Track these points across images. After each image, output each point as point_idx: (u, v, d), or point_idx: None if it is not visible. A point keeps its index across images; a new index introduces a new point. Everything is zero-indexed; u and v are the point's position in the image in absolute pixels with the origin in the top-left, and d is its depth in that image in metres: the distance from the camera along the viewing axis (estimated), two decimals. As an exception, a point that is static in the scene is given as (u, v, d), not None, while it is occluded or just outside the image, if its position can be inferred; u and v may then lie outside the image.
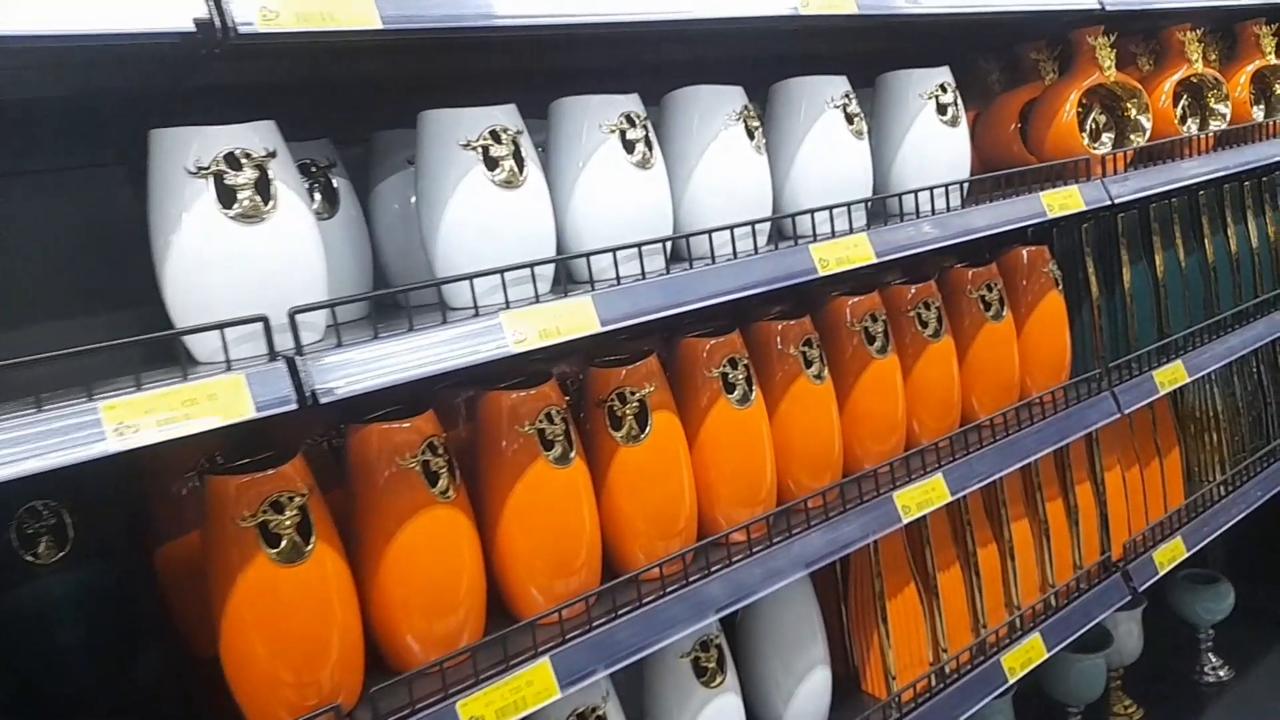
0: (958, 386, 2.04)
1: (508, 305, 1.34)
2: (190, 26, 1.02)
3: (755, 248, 1.61)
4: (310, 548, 1.23)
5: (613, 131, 1.47)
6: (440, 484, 1.35)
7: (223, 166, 1.14)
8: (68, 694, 1.39)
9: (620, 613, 1.48)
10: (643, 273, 1.47)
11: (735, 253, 1.58)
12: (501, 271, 1.33)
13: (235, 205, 1.15)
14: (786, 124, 1.77)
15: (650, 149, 1.51)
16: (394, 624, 1.35)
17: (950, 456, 1.95)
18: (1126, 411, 2.27)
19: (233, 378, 1.09)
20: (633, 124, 1.49)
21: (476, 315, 1.30)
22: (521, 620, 1.45)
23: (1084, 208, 2.13)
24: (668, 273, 1.49)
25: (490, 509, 1.45)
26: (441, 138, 1.35)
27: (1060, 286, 2.22)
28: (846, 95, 1.76)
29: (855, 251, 1.70)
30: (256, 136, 1.18)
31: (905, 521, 1.82)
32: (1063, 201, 2.10)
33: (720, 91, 1.61)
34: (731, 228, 1.57)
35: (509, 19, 1.29)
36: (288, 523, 1.21)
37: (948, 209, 1.90)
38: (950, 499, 1.89)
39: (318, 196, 1.45)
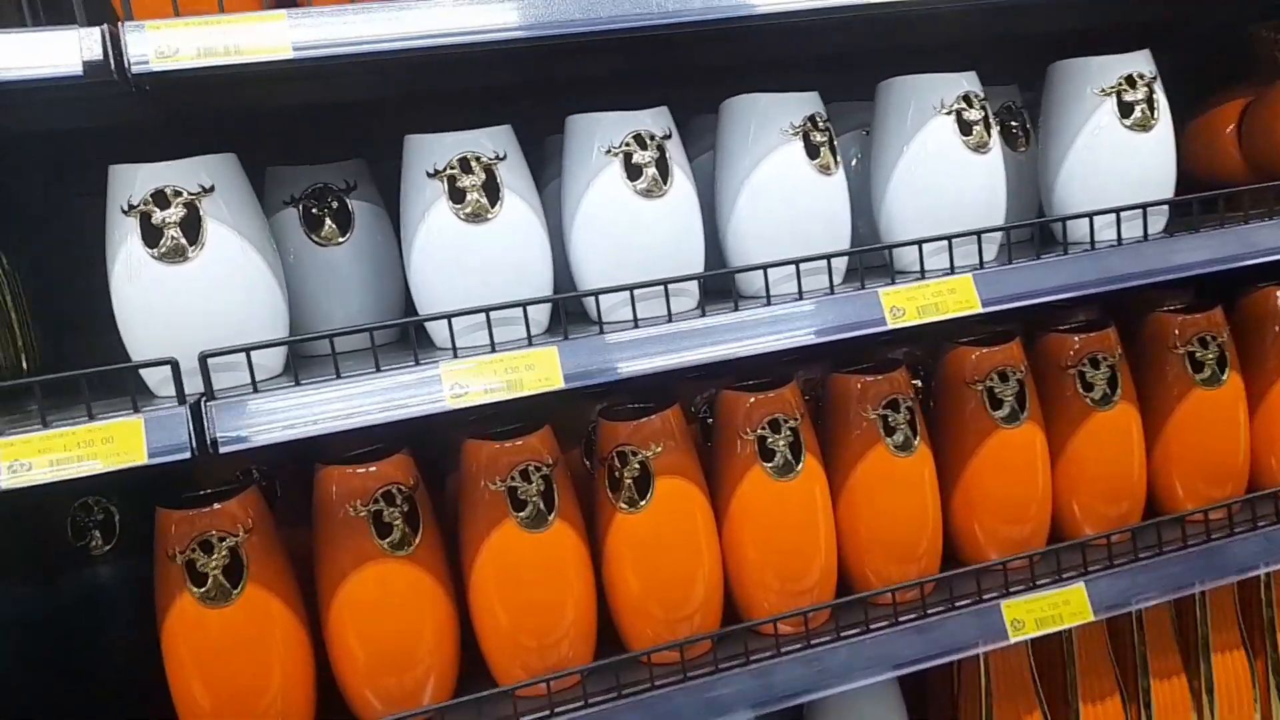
0: (1139, 469, 1.57)
1: (455, 353, 1.21)
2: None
3: (800, 290, 1.32)
4: (238, 591, 1.21)
5: (615, 154, 1.27)
6: (393, 536, 1.27)
7: (150, 205, 1.13)
8: (115, 675, 1.51)
9: (619, 693, 1.31)
10: (634, 320, 1.27)
11: (769, 298, 1.31)
12: (449, 316, 1.21)
13: (159, 245, 1.13)
14: (885, 134, 1.44)
15: (665, 174, 1.29)
16: (343, 676, 1.30)
17: (1105, 561, 1.50)
18: None
19: (131, 421, 1.09)
20: (643, 145, 1.28)
21: (417, 364, 1.19)
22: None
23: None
24: (669, 319, 1.27)
25: (464, 568, 1.34)
26: (412, 165, 1.25)
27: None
28: (965, 98, 1.39)
29: (950, 298, 1.34)
30: (198, 171, 1.15)
31: (1014, 640, 1.43)
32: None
33: (774, 101, 1.34)
34: (765, 266, 1.31)
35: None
36: (214, 563, 1.19)
37: (1118, 241, 1.44)
38: (1092, 619, 1.46)
39: (328, 222, 1.41)
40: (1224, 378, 1.58)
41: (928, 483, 1.46)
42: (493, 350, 1.21)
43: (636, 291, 1.28)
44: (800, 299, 1.31)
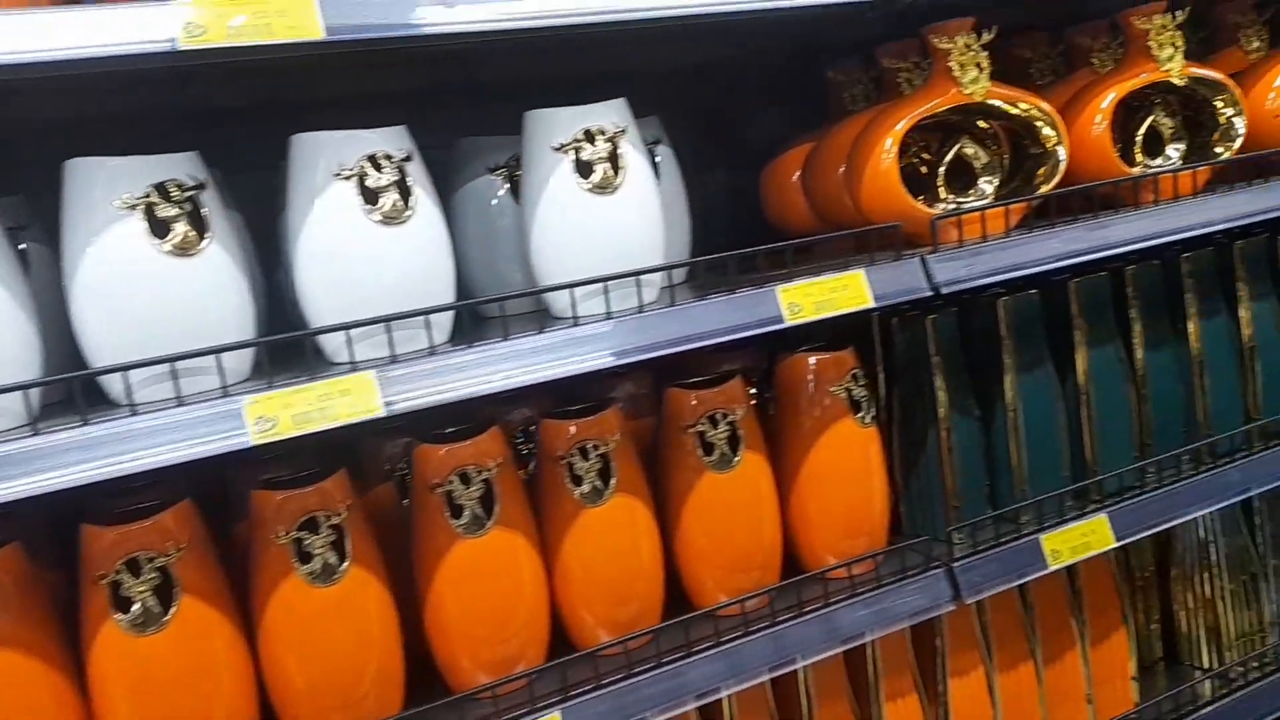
0: (649, 568, 1.40)
1: None
2: None
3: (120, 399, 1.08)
4: None
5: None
6: None
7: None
8: None
9: None
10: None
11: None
12: None
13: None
14: (289, 206, 1.22)
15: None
16: None
17: (564, 687, 1.31)
18: (971, 600, 1.52)
19: None
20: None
21: None
22: None
23: (871, 304, 1.40)
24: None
25: None
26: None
27: (863, 410, 1.51)
28: (371, 159, 1.18)
29: (342, 402, 1.12)
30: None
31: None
32: (829, 297, 1.39)
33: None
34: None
35: None
36: None
37: (574, 321, 1.26)
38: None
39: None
40: (736, 459, 1.43)
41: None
42: None
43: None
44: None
